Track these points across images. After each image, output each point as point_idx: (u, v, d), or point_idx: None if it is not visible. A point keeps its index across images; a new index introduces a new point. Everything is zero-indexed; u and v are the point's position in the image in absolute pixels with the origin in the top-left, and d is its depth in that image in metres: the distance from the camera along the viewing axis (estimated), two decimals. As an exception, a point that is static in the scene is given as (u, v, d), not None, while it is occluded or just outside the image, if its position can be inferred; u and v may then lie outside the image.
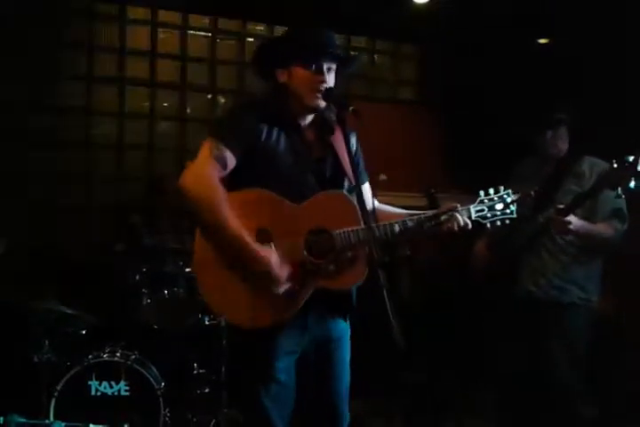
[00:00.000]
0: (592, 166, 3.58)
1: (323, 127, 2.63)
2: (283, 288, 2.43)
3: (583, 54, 5.11)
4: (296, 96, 2.56)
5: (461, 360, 4.99)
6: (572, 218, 3.26)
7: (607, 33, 4.92)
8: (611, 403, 4.49)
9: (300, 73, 2.54)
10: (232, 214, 2.40)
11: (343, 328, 2.66)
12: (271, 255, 2.41)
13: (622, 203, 3.46)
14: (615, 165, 3.14)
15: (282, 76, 2.58)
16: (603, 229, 3.45)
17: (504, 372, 3.67)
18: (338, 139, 2.56)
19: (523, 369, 3.54)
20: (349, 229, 2.44)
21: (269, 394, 2.50)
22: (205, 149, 2.46)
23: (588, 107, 4.18)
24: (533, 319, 3.52)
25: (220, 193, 2.43)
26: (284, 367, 2.53)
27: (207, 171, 2.43)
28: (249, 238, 2.40)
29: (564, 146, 3.65)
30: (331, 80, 2.56)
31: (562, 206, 3.27)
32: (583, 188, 3.48)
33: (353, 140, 2.67)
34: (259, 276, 2.41)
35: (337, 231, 2.46)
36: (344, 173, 2.60)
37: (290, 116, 2.59)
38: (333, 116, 2.57)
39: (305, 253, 2.46)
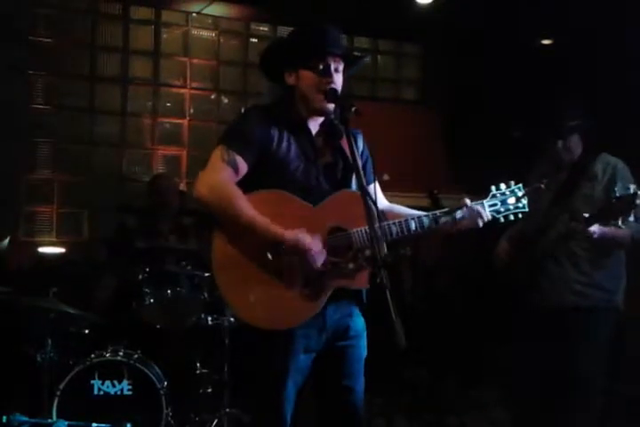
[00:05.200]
0: (605, 167, 3.54)
1: (331, 131, 2.63)
2: (323, 257, 2.42)
3: (583, 54, 5.11)
4: (304, 99, 2.56)
5: (463, 358, 4.99)
6: (594, 228, 3.24)
7: (608, 33, 4.92)
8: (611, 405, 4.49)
9: (307, 76, 2.54)
10: (253, 208, 2.43)
11: (360, 327, 2.65)
12: (301, 232, 2.41)
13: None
14: (617, 195, 3.12)
15: (290, 79, 2.58)
16: (622, 233, 3.38)
17: (520, 373, 3.65)
18: (346, 142, 2.54)
19: (542, 370, 3.51)
20: (366, 227, 2.41)
21: (285, 393, 2.49)
22: (216, 156, 2.48)
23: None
24: (553, 324, 3.49)
25: (238, 192, 2.45)
26: (301, 367, 2.53)
27: (220, 175, 2.45)
28: (277, 226, 2.41)
29: (577, 151, 3.61)
30: (339, 81, 2.55)
31: (587, 216, 3.24)
32: (596, 190, 3.48)
33: (360, 141, 2.68)
34: (296, 253, 2.40)
35: (354, 230, 2.47)
36: (353, 176, 2.60)
37: (300, 121, 2.60)
38: (337, 118, 2.56)
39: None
